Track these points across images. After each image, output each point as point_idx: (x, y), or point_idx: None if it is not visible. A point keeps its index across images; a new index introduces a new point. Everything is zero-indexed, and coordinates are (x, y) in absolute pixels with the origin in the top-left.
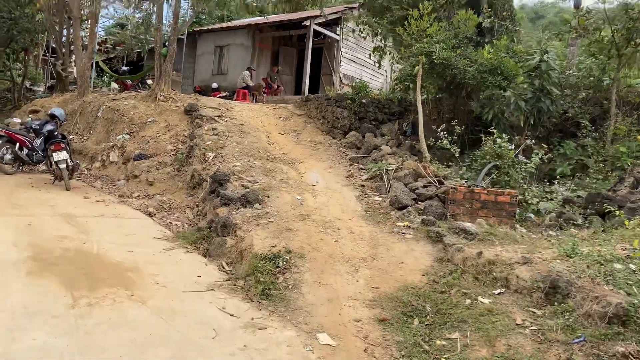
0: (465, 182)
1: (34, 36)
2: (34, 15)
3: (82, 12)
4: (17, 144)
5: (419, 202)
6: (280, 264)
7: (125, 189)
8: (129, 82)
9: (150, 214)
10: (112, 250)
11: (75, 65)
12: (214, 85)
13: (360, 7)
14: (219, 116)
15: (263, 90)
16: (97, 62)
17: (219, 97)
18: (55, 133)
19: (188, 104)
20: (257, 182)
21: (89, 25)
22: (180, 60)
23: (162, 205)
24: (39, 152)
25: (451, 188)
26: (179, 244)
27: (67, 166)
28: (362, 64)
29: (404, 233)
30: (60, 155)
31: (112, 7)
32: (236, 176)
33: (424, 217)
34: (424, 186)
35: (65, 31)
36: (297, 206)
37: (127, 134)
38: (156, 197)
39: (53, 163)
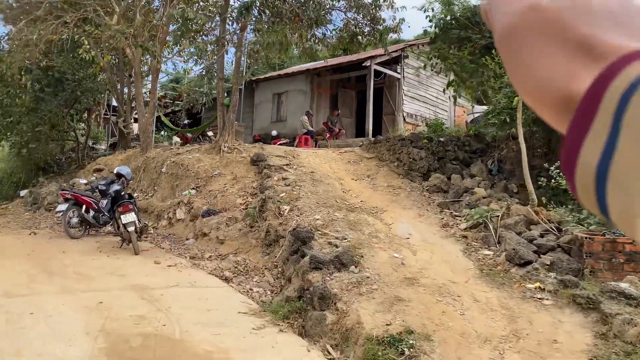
0: (589, 228)
1: (96, 96)
2: (96, 75)
3: (142, 68)
4: (84, 206)
5: (541, 256)
6: (405, 350)
7: (196, 250)
8: (189, 135)
9: (226, 279)
10: (196, 333)
11: (134, 122)
12: (274, 132)
13: (432, 42)
14: (287, 165)
15: (327, 134)
16: (157, 117)
17: (279, 144)
18: (122, 193)
19: (254, 154)
20: (345, 239)
21: (148, 81)
22: (239, 109)
23: (238, 267)
24: (105, 213)
25: (585, 238)
26: (269, 320)
27: (136, 228)
28: (425, 101)
29: (539, 298)
30: (129, 218)
31: (170, 62)
32: (320, 232)
33: (558, 276)
34: (541, 235)
35: (125, 89)
36: (397, 266)
37: (193, 188)
38: (229, 257)
39: (121, 226)
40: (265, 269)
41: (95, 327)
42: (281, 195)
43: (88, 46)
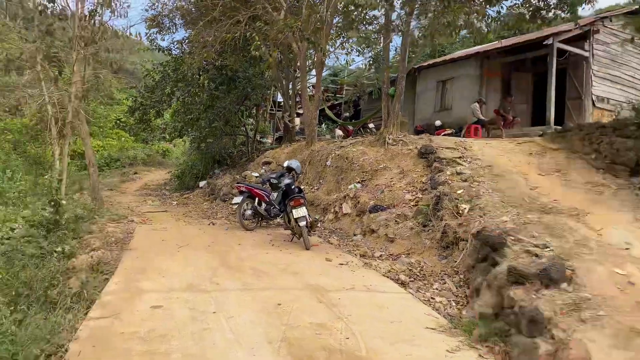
0: None
1: (264, 92)
2: (264, 72)
3: (306, 62)
4: (257, 199)
5: None
6: None
7: (365, 247)
8: (350, 127)
9: (402, 284)
10: (383, 351)
11: (298, 116)
12: (437, 122)
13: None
14: (459, 157)
15: (500, 123)
16: (320, 110)
17: (444, 135)
18: (293, 187)
19: (422, 146)
20: (546, 247)
21: (312, 75)
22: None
23: (412, 270)
24: (276, 206)
25: None
26: (463, 340)
27: (307, 223)
28: (619, 82)
29: None
30: (300, 212)
31: (333, 54)
32: (512, 237)
33: None
34: None
35: (290, 85)
36: (625, 287)
37: (358, 182)
38: (402, 258)
39: (292, 220)
40: (445, 274)
41: (277, 334)
42: (458, 192)
43: (259, 42)
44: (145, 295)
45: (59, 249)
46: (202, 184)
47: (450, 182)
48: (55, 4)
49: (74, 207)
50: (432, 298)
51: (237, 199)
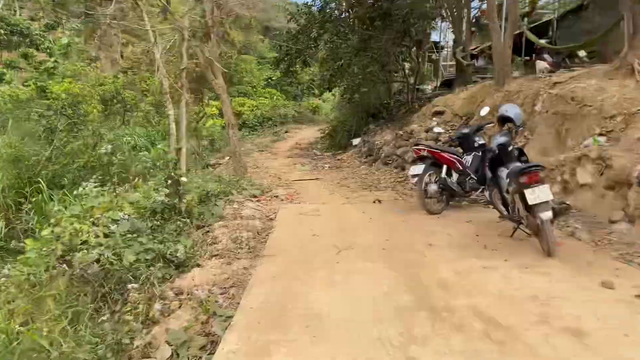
0: None
1: (428, 23)
2: None
3: None
4: (444, 167)
5: None
6: None
7: None
8: (546, 56)
9: None
10: None
11: (476, 51)
12: None
13: None
14: None
15: None
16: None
17: None
18: (510, 148)
19: None
20: None
21: None
22: None
23: None
24: (472, 175)
25: None
26: None
27: (551, 213)
28: None
29: None
30: (542, 195)
31: None
32: None
33: None
34: None
35: (464, 11)
36: None
37: (599, 135)
38: None
39: (520, 208)
40: None
41: None
42: None
43: None
44: None
45: (171, 250)
46: (356, 141)
47: None
48: None
49: (205, 182)
50: None
51: (416, 168)
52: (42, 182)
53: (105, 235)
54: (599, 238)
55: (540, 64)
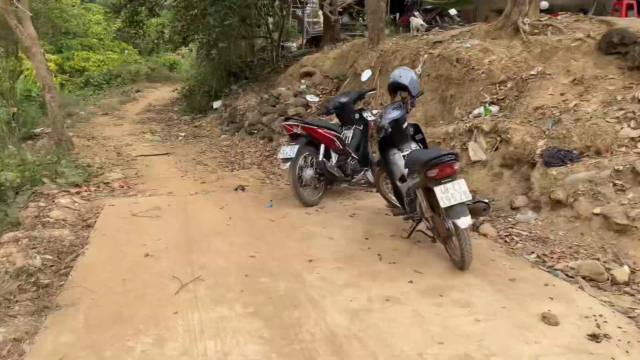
0: None
1: None
2: None
3: None
4: (322, 147)
5: None
6: None
7: (565, 244)
8: (417, 14)
9: None
10: None
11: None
12: (543, 3)
13: None
14: None
15: None
16: None
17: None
18: (405, 125)
19: (607, 33)
20: None
21: None
22: None
23: None
24: (353, 155)
25: None
26: None
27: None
28: None
29: None
30: (457, 195)
31: None
32: None
33: None
34: None
35: None
36: None
37: (489, 103)
38: None
39: (426, 208)
40: None
41: None
42: None
43: None
44: None
45: None
46: (216, 104)
47: None
48: None
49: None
50: None
51: (288, 150)
52: None
53: None
54: (505, 232)
55: (415, 21)
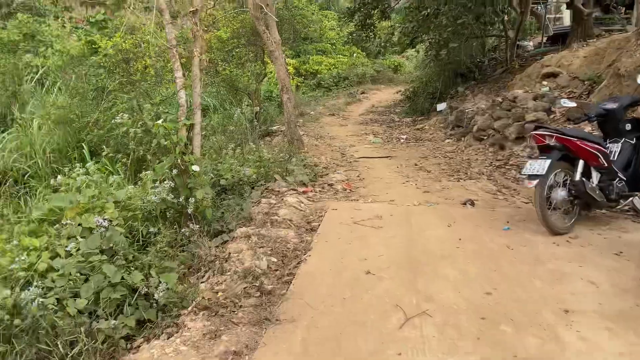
0: None
1: None
2: None
3: None
4: (580, 163)
5: None
6: None
7: None
8: None
9: None
10: None
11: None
12: None
13: None
14: None
15: None
16: None
17: None
18: None
19: None
20: None
21: None
22: None
23: None
24: (620, 175)
25: None
26: None
27: None
28: None
29: None
30: None
31: None
32: None
33: None
34: None
35: None
36: None
37: None
38: None
39: None
40: None
41: None
42: None
43: None
44: None
45: (154, 285)
46: (440, 107)
47: None
48: None
49: (241, 164)
50: None
51: (537, 166)
52: (85, 147)
53: (68, 255)
54: None
55: None
